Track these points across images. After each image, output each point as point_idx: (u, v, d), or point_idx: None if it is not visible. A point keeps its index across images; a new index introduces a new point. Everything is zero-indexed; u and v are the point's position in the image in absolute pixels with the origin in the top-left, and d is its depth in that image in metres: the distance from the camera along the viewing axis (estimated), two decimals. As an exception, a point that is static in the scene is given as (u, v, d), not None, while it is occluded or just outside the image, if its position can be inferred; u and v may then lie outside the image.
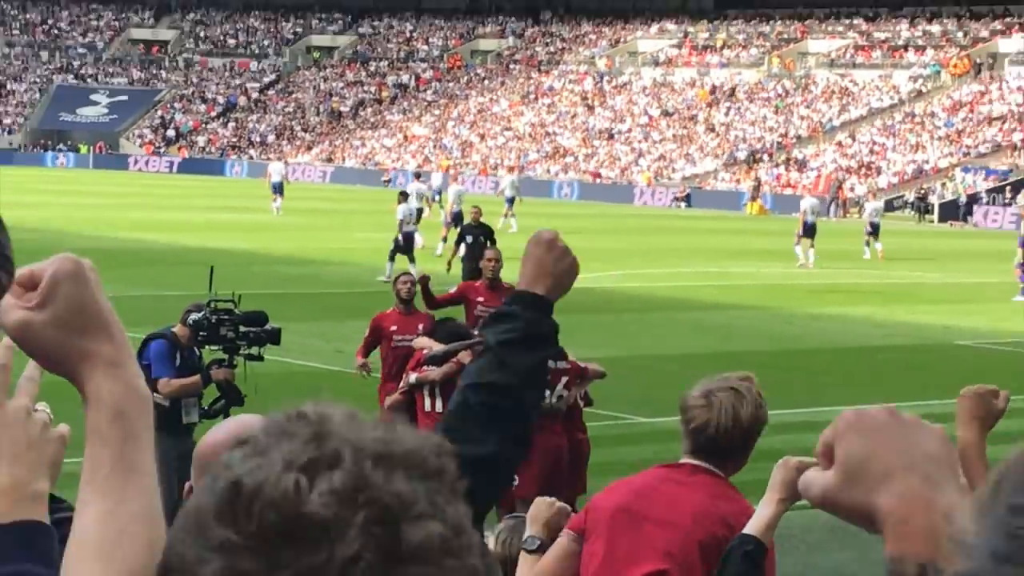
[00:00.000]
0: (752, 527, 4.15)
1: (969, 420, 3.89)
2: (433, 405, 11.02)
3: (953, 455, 1.46)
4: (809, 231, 37.98)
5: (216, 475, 0.94)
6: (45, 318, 1.49)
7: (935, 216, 61.12)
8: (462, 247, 26.71)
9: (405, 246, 30.33)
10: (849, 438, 1.42)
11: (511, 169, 69.67)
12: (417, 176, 46.98)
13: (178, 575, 0.92)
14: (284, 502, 0.89)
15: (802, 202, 42.80)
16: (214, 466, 0.96)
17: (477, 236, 26.29)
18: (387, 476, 0.91)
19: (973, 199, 61.94)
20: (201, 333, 10.89)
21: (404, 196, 32.91)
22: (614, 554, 4.54)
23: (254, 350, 10.98)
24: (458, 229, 30.67)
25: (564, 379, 11.14)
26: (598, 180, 73.14)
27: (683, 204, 65.38)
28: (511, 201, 45.84)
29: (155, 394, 10.73)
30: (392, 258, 29.70)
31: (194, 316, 10.97)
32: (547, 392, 10.88)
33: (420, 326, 12.89)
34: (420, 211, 38.31)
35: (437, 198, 45.32)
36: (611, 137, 78.13)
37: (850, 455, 1.41)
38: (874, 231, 41.75)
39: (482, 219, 27.51)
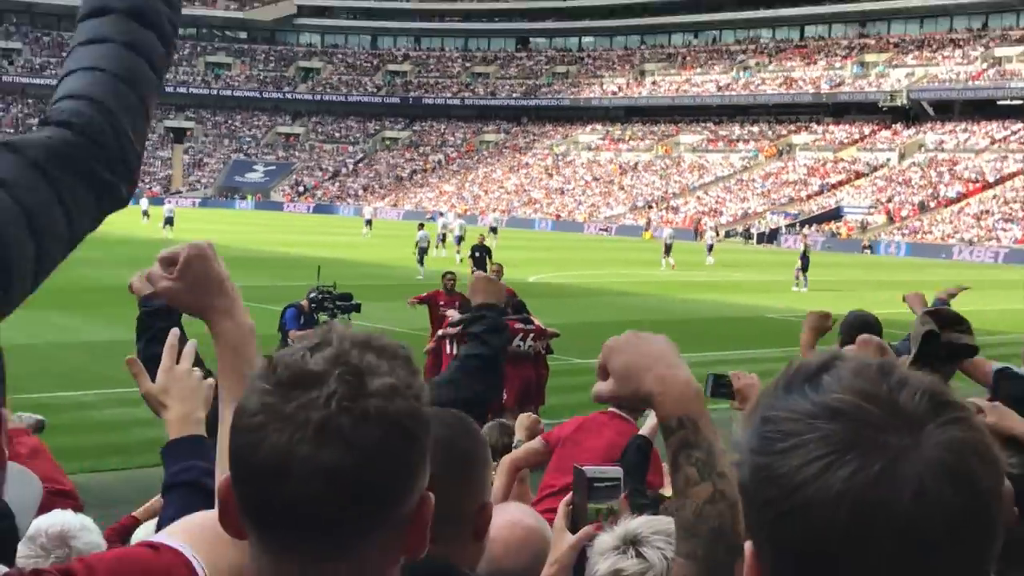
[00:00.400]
0: (643, 430, 5.26)
1: (809, 329, 5.17)
2: (453, 350, 13.58)
3: (676, 348, 1.98)
4: (667, 249, 48.49)
5: (263, 356, 1.42)
6: (182, 286, 2.11)
7: (754, 241, 77.39)
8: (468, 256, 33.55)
9: (419, 257, 38.79)
10: (614, 355, 1.94)
11: (504, 212, 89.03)
12: (431, 218, 61.56)
13: (237, 413, 1.37)
14: (294, 364, 1.34)
15: (664, 231, 57.25)
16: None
17: (481, 252, 33.47)
18: (362, 353, 1.35)
19: (776, 231, 78.25)
20: (313, 304, 15.31)
21: (420, 226, 41.22)
22: (556, 465, 5.89)
23: (345, 317, 15.05)
24: (467, 249, 38.42)
25: (532, 335, 13.92)
26: (557, 218, 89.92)
27: (606, 233, 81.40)
28: (494, 230, 54.50)
29: (286, 336, 14.89)
30: (420, 262, 38.27)
31: (311, 295, 15.22)
32: (521, 342, 13.94)
33: (456, 303, 15.81)
34: (443, 236, 50.48)
35: (453, 227, 52.24)
36: (563, 192, 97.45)
37: (617, 364, 1.92)
38: (709, 249, 53.53)
39: (485, 242, 34.55)
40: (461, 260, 40.93)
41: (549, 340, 14.64)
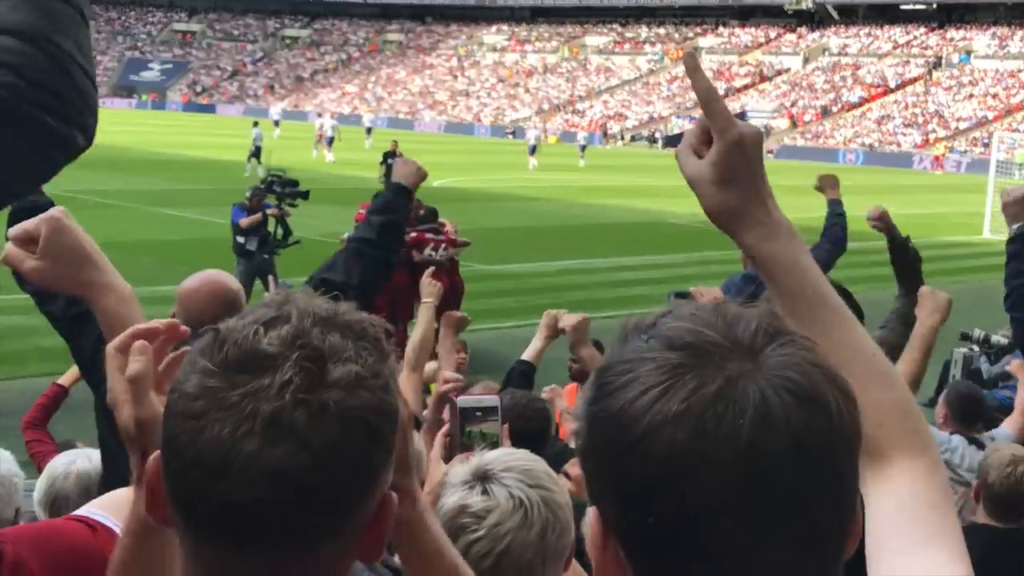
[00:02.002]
0: (526, 354, 5.26)
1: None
2: None
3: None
4: (531, 151, 51.26)
5: (210, 327, 1.23)
6: (49, 265, 1.90)
7: (659, 145, 76.93)
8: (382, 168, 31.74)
9: (252, 154, 38.77)
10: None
11: (373, 111, 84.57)
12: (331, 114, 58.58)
13: (173, 391, 1.20)
14: (244, 342, 1.16)
15: (529, 133, 59.13)
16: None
17: (393, 159, 34.89)
18: (323, 332, 1.18)
19: (682, 135, 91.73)
20: (262, 187, 16.38)
21: (255, 124, 41.76)
22: None
23: (292, 202, 16.27)
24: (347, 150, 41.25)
25: (443, 244, 14.01)
26: (459, 122, 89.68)
27: (511, 136, 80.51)
28: (369, 131, 57.94)
29: (237, 229, 15.89)
30: (250, 159, 38.39)
31: (257, 187, 16.41)
32: (433, 252, 13.95)
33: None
34: (320, 136, 50.02)
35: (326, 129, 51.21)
36: (467, 95, 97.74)
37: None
38: (582, 150, 56.72)
39: (397, 150, 31.61)
40: (333, 161, 42.90)
41: (460, 249, 14.76)
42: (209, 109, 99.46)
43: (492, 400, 2.93)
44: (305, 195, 16.19)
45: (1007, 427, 6.05)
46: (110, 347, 1.50)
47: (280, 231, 16.35)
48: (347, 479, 1.17)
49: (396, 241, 4.05)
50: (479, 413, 2.86)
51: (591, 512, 1.15)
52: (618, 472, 1.10)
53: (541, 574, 2.40)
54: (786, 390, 1.08)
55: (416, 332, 5.62)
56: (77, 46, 1.61)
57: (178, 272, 3.62)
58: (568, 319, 4.92)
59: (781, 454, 1.06)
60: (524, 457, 2.51)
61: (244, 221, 15.83)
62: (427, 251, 14.12)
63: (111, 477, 3.73)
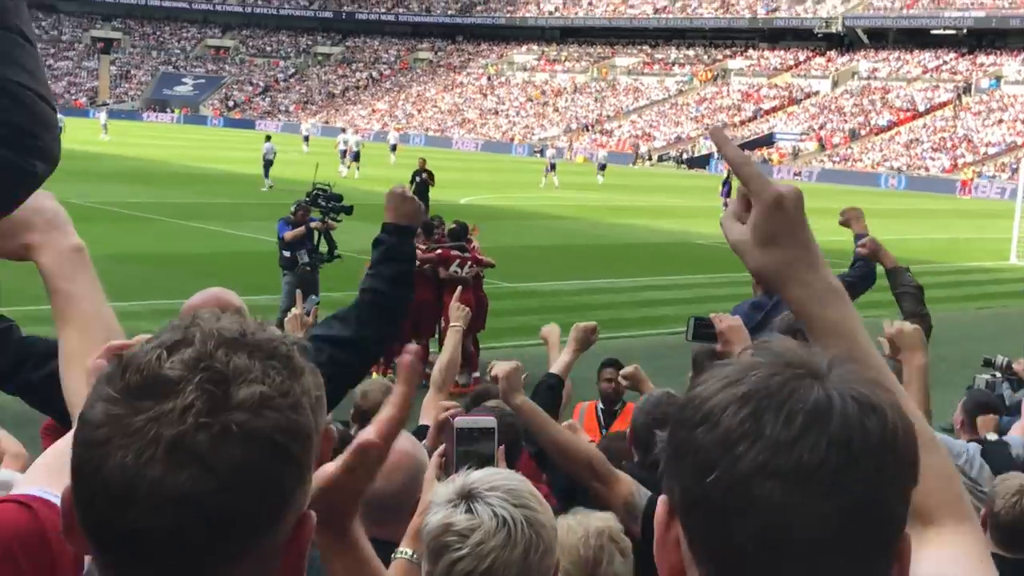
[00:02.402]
0: (555, 367, 5.23)
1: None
2: None
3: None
4: (551, 168, 51.72)
5: (113, 357, 1.22)
6: None
7: (686, 166, 78.44)
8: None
9: (265, 169, 39.29)
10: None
11: (399, 129, 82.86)
12: (355, 130, 60.01)
13: (80, 420, 1.18)
14: (147, 367, 1.15)
15: (548, 151, 60.23)
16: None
17: (422, 177, 31.19)
18: (228, 354, 1.16)
19: (709, 156, 77.55)
20: (307, 200, 16.31)
21: (267, 138, 41.32)
22: None
23: (335, 217, 16.37)
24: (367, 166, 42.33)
25: (469, 262, 14.34)
26: (490, 139, 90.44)
27: (539, 155, 76.69)
28: (393, 148, 58.61)
29: (283, 242, 15.87)
30: (266, 174, 38.84)
31: (302, 201, 16.30)
32: (459, 268, 14.28)
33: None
34: (344, 152, 49.56)
35: (351, 144, 51.05)
36: (496, 113, 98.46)
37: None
38: (601, 168, 56.83)
39: (426, 167, 31.74)
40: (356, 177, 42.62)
41: (484, 269, 14.87)
42: (247, 124, 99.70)
43: (488, 421, 2.93)
44: (349, 210, 16.23)
45: (1017, 432, 6.13)
46: (90, 362, 1.50)
47: (325, 245, 16.49)
48: (256, 502, 1.16)
49: (409, 288, 3.88)
50: (475, 434, 2.89)
51: (660, 499, 1.21)
52: (687, 447, 1.17)
53: None
54: (849, 396, 1.15)
55: (443, 354, 5.64)
56: (23, 70, 1.61)
57: (207, 284, 3.72)
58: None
59: (830, 441, 1.12)
60: (509, 476, 2.53)
61: (288, 234, 15.90)
62: (452, 268, 14.50)
63: None
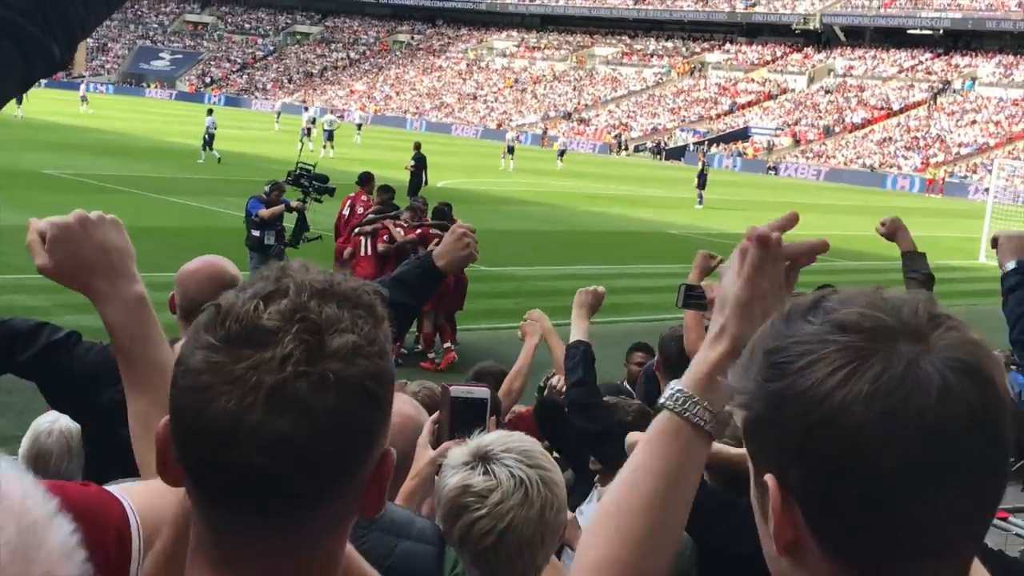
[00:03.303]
0: (580, 335, 5.18)
1: (697, 268, 5.36)
2: (367, 250, 14.54)
3: None
4: (509, 151, 52.90)
5: (211, 303, 1.28)
6: (52, 266, 1.97)
7: (663, 156, 78.90)
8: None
9: (205, 143, 39.66)
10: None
11: (415, 114, 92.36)
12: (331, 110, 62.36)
13: (179, 365, 1.25)
14: (245, 317, 1.21)
15: (507, 135, 59.32)
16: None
17: (418, 164, 31.14)
18: (320, 304, 1.22)
19: (684, 148, 79.65)
20: (289, 179, 16.05)
21: (209, 112, 41.64)
22: None
23: (317, 197, 16.18)
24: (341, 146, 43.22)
25: None
26: (469, 125, 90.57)
27: (517, 142, 68.82)
28: (359, 127, 59.48)
29: (253, 222, 15.42)
30: (205, 147, 39.54)
31: (277, 181, 15.86)
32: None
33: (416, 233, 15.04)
34: (308, 130, 49.64)
35: (323, 122, 52.10)
36: (475, 98, 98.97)
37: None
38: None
39: (420, 150, 31.72)
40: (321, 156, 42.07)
41: None
42: (232, 102, 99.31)
43: (483, 392, 2.97)
44: (332, 191, 16.17)
45: None
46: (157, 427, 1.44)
47: (293, 226, 16.15)
48: (348, 444, 1.24)
49: (407, 315, 3.86)
50: (470, 403, 2.95)
51: (770, 480, 1.22)
52: (809, 444, 1.17)
53: (539, 549, 2.51)
54: (960, 371, 1.16)
55: (519, 360, 5.93)
56: None
57: (181, 259, 3.84)
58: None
59: (962, 429, 1.15)
60: (521, 438, 2.59)
61: (265, 212, 15.53)
62: (432, 246, 14.45)
63: None
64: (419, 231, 14.70)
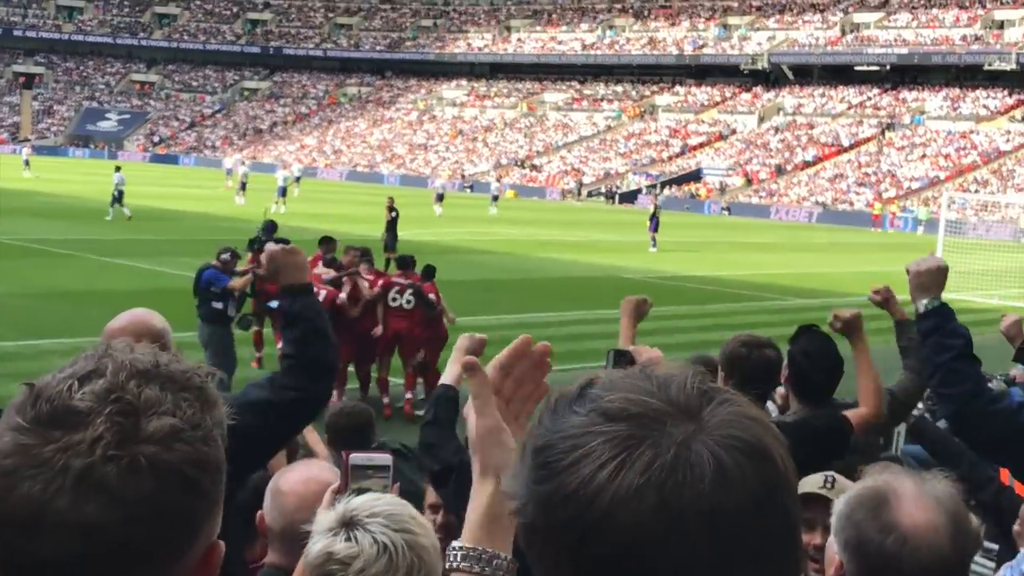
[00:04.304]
0: (447, 378, 4.60)
1: (626, 315, 5.22)
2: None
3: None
4: (438, 199, 51.82)
5: (25, 382, 1.23)
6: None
7: (616, 201, 79.07)
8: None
9: (114, 199, 39.43)
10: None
11: (367, 167, 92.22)
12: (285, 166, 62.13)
13: None
14: (57, 397, 1.16)
15: (436, 181, 60.42)
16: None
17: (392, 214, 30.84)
18: (140, 386, 1.18)
19: (638, 191, 79.55)
20: (256, 240, 14.74)
21: (117, 169, 41.20)
22: None
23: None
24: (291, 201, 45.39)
25: (409, 290, 14.90)
26: (418, 175, 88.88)
27: (469, 190, 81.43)
28: (297, 180, 57.51)
29: (215, 294, 14.00)
30: (113, 204, 39.30)
31: (228, 248, 14.69)
32: (399, 295, 14.78)
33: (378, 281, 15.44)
34: (284, 189, 50.69)
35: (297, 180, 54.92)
36: (426, 148, 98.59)
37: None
38: (494, 200, 57.54)
39: (394, 205, 31.15)
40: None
41: (425, 305, 15.22)
42: (172, 160, 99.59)
43: (384, 459, 2.88)
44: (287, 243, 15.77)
45: None
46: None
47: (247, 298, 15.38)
48: (163, 533, 1.17)
49: (322, 341, 3.79)
50: (370, 471, 2.84)
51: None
52: (583, 550, 1.09)
53: None
54: (736, 449, 1.09)
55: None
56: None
57: None
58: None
59: (742, 512, 1.08)
60: (390, 501, 2.53)
61: (238, 282, 14.34)
62: (392, 294, 15.16)
63: None
64: (381, 283, 14.96)
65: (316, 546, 2.45)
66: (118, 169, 41.23)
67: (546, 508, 1.11)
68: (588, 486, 1.08)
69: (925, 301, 4.16)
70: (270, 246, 3.84)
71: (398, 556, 2.40)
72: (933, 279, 4.20)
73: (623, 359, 4.02)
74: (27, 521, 1.13)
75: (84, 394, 1.17)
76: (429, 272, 15.45)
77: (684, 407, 1.11)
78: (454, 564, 1.52)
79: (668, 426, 1.10)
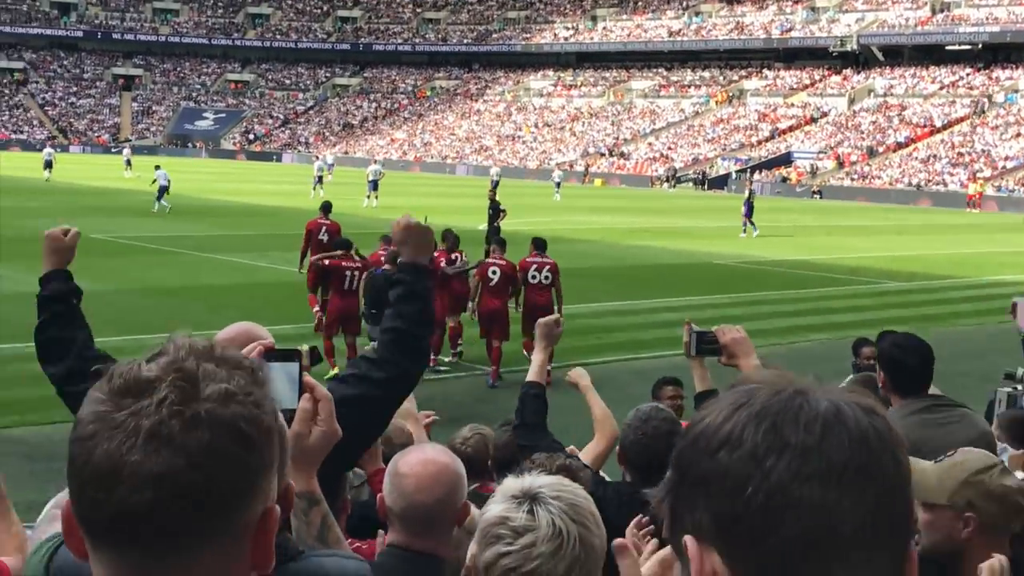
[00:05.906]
0: (533, 375, 5.05)
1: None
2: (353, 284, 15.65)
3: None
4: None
5: (101, 369, 1.41)
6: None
7: (705, 186, 79.73)
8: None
9: (159, 194, 40.94)
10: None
11: (374, 162, 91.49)
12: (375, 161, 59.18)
13: (76, 423, 1.37)
14: (129, 372, 1.34)
15: (555, 174, 70.79)
16: None
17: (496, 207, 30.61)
18: (198, 361, 1.36)
19: (727, 177, 79.97)
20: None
21: (157, 167, 42.69)
22: None
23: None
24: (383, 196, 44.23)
25: (547, 267, 16.33)
26: (508, 165, 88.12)
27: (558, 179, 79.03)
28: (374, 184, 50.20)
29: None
30: (159, 198, 40.86)
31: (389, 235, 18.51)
32: (537, 273, 16.12)
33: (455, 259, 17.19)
34: (320, 178, 53.12)
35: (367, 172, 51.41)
36: (514, 139, 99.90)
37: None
38: (557, 187, 59.16)
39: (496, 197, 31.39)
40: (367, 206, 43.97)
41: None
42: (268, 157, 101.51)
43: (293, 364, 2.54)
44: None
45: None
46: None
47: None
48: (223, 480, 1.31)
49: (430, 324, 3.78)
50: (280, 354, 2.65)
51: (688, 541, 1.26)
52: (707, 471, 1.25)
53: None
54: (849, 402, 1.24)
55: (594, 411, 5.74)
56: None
57: (227, 317, 3.74)
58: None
59: (851, 440, 1.21)
60: (576, 491, 2.51)
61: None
62: (531, 272, 16.58)
63: None
64: (519, 264, 16.69)
65: (495, 507, 2.45)
66: (158, 167, 42.48)
67: (679, 459, 1.29)
68: (712, 423, 1.26)
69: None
70: (406, 219, 3.68)
71: (568, 545, 2.38)
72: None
73: (705, 340, 4.35)
74: (106, 476, 1.29)
75: (151, 367, 1.36)
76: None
77: (800, 387, 1.27)
78: None
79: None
